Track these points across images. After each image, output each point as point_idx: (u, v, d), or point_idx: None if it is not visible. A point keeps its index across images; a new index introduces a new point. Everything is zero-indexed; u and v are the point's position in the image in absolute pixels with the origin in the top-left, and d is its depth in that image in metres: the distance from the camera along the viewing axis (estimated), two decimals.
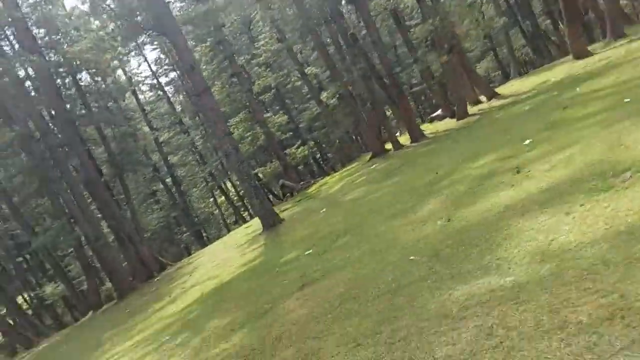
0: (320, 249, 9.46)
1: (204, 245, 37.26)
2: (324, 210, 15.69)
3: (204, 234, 41.22)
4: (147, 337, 10.41)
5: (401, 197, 10.26)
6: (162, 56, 50.28)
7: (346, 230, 9.72)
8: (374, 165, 21.47)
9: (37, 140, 20.45)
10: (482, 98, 24.37)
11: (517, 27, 35.03)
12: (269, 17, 31.77)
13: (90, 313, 24.42)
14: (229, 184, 53.36)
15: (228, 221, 52.19)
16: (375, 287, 5.63)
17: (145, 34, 17.89)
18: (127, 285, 21.53)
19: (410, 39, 25.71)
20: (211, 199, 51.27)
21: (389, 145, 25.18)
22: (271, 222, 17.24)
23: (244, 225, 26.76)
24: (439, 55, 21.08)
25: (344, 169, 29.25)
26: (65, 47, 21.34)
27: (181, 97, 54.10)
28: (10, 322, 23.72)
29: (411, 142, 22.58)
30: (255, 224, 23.86)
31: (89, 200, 22.96)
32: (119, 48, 18.50)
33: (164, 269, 24.12)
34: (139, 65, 55.44)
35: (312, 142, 38.39)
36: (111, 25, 17.04)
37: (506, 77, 35.69)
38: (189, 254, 35.75)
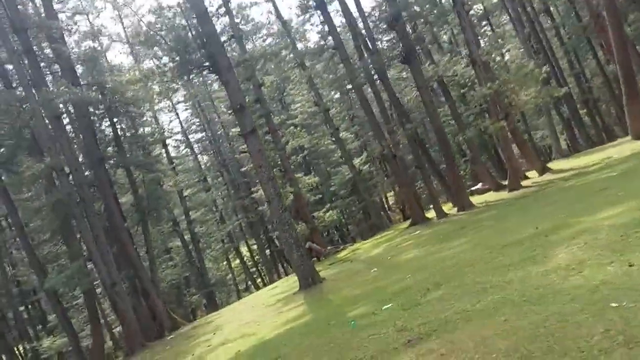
0: (404, 303, 7.64)
1: (215, 308, 34.70)
2: (375, 270, 13.86)
3: (217, 298, 38.67)
4: None
5: (494, 253, 8.54)
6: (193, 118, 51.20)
7: (437, 284, 7.92)
8: (417, 232, 19.73)
9: (67, 174, 19.26)
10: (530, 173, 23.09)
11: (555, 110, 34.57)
12: (307, 76, 31.77)
13: None
14: (243, 249, 51.61)
15: (239, 287, 49.64)
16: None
17: (198, 70, 17.21)
18: (138, 341, 19.18)
19: (454, 108, 24.96)
20: (224, 262, 49.17)
21: (429, 214, 23.63)
22: (310, 281, 15.32)
23: (268, 287, 24.56)
24: (493, 122, 20.06)
25: (376, 237, 27.46)
26: (108, 79, 20.85)
27: (205, 157, 54.22)
28: None
29: (458, 211, 20.98)
30: (282, 285, 21.84)
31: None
32: (169, 84, 17.73)
33: (177, 328, 21.74)
34: (170, 122, 55.69)
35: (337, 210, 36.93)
36: (164, 59, 16.42)
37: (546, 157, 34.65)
38: (195, 318, 33.23)
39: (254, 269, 50.81)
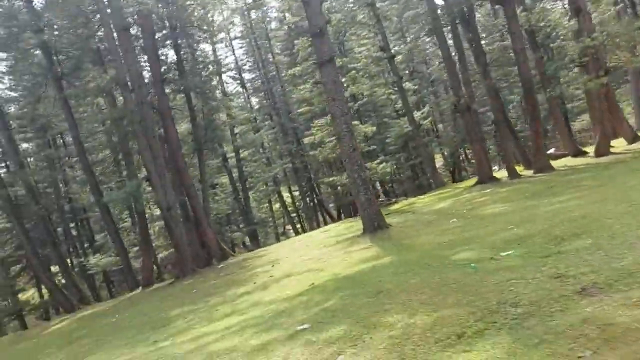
0: (533, 251, 6.45)
1: (257, 246, 34.67)
2: (455, 220, 12.67)
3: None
4: (246, 322, 7.65)
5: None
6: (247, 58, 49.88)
7: (575, 234, 6.66)
8: (488, 190, 18.25)
9: (130, 91, 18.61)
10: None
11: None
12: (376, 17, 29.71)
13: (139, 289, 22.04)
14: (285, 195, 51.28)
15: (278, 231, 49.74)
16: None
17: None
18: (189, 267, 18.98)
19: (541, 61, 22.59)
20: (266, 205, 49.11)
21: (496, 174, 22.02)
22: (376, 225, 14.32)
23: (319, 230, 23.81)
24: (591, 79, 17.91)
25: (432, 194, 26.09)
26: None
27: (256, 99, 53.24)
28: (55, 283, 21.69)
29: (535, 173, 19.29)
30: (335, 229, 21.01)
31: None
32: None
33: (226, 258, 21.46)
34: (226, 57, 54.35)
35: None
36: None
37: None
38: (234, 253, 33.27)
39: (294, 215, 50.62)
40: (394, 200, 27.71)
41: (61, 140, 41.19)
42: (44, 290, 39.44)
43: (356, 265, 10.25)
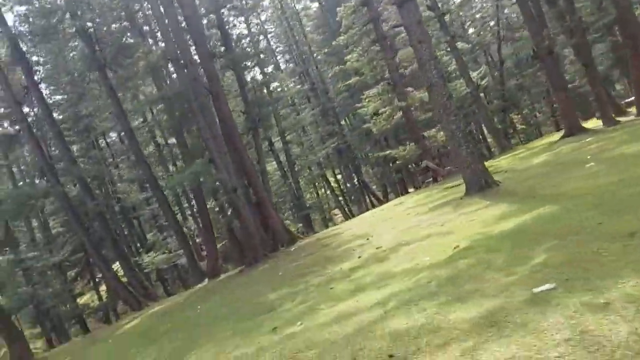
0: None
1: (312, 230, 33.16)
2: (592, 164, 10.55)
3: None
4: (400, 295, 5.86)
5: None
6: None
7: None
8: (590, 138, 15.90)
9: (183, 67, 17.06)
10: None
11: None
12: None
13: (206, 282, 20.72)
14: (331, 179, 49.56)
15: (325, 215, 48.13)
16: None
17: None
18: (261, 252, 17.45)
19: None
20: (311, 189, 47.57)
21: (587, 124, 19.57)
22: (483, 183, 12.29)
23: (392, 203, 21.83)
24: None
25: (513, 153, 23.69)
26: None
27: (291, 83, 51.47)
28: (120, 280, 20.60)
29: (639, 115, 16.81)
30: (411, 200, 19.04)
31: None
32: None
33: (294, 242, 19.83)
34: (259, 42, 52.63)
35: None
36: None
37: None
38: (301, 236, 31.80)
39: (341, 199, 48.85)
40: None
41: (104, 142, 40.63)
42: (102, 292, 39.28)
43: (495, 223, 8.32)
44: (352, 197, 49.70)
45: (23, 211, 19.26)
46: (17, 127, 22.18)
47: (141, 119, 37.77)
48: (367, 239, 12.40)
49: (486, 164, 23.22)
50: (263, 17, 44.48)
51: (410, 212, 14.75)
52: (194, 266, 21.79)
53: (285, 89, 34.50)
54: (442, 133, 28.79)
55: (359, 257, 10.40)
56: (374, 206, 44.97)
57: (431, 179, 25.29)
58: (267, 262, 16.51)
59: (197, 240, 28.11)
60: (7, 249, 30.00)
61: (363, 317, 5.64)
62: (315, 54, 46.03)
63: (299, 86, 45.43)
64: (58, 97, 32.61)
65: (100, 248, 20.93)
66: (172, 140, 20.85)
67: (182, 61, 16.93)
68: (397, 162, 29.53)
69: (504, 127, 41.61)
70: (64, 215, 36.09)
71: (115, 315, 36.54)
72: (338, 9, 28.74)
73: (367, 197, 48.16)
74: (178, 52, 16.99)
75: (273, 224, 20.10)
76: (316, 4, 48.47)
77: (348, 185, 50.04)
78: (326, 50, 47.92)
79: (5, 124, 26.52)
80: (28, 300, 26.46)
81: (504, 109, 37.16)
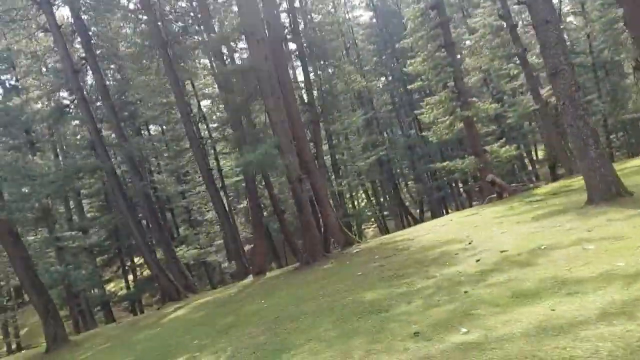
0: None
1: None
2: None
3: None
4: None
5: None
6: None
7: None
8: None
9: (256, 43, 15.59)
10: None
11: None
12: None
13: (249, 278, 19.02)
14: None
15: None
16: None
17: None
18: (320, 250, 15.69)
19: None
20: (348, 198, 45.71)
21: None
22: (612, 191, 10.28)
23: (462, 213, 19.78)
24: None
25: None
26: None
27: None
28: (162, 267, 18.99)
29: None
30: (485, 212, 17.02)
31: None
32: None
33: (350, 244, 17.99)
34: None
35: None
36: None
37: None
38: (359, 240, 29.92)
39: (377, 212, 46.81)
40: (532, 185, 23.33)
41: (146, 131, 39.77)
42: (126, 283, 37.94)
43: None
44: (386, 213, 47.58)
45: (69, 184, 17.98)
46: (66, 102, 21.15)
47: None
48: (469, 243, 10.47)
49: (553, 185, 21.13)
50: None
51: (505, 221, 12.77)
52: (238, 262, 20.10)
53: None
54: (505, 149, 26.84)
55: (478, 260, 8.50)
56: (409, 224, 42.89)
57: (495, 195, 23.16)
58: (327, 262, 14.71)
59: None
60: (44, 226, 29.03)
61: (605, 330, 3.77)
62: (363, 64, 44.68)
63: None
64: (107, 83, 31.90)
65: (144, 231, 19.43)
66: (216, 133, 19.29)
67: (257, 38, 15.47)
68: (454, 174, 27.55)
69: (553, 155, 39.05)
70: (101, 200, 35.27)
71: (139, 306, 35.15)
72: (406, 9, 27.19)
73: (403, 214, 46.12)
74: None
75: (330, 224, 18.33)
76: (369, 13, 47.34)
77: (385, 199, 48.09)
78: (375, 59, 46.62)
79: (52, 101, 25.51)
80: (60, 280, 25.22)
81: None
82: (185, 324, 11.66)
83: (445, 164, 26.74)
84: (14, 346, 36.23)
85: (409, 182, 55.94)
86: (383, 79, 48.97)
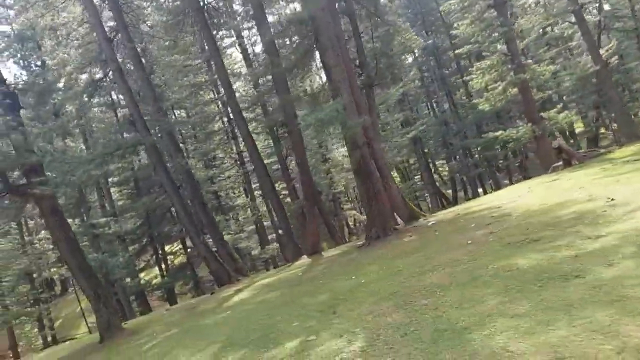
0: None
1: None
2: None
3: None
4: None
5: None
6: None
7: None
8: None
9: None
10: None
11: None
12: None
13: (303, 258, 17.45)
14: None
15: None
16: None
17: None
18: (389, 224, 13.97)
19: None
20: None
21: None
22: None
23: (538, 181, 17.79)
24: None
25: None
26: None
27: None
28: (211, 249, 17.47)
29: None
30: (568, 177, 15.10)
31: None
32: None
33: (416, 218, 16.26)
34: None
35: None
36: None
37: None
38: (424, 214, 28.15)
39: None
40: (602, 151, 21.27)
41: (172, 116, 38.30)
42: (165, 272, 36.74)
43: None
44: (417, 194, 45.71)
45: (108, 163, 16.52)
46: (99, 75, 19.60)
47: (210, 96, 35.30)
48: (610, 200, 8.62)
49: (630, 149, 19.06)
50: None
51: (621, 179, 10.90)
52: (290, 242, 18.51)
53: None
54: (564, 114, 24.66)
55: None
56: (443, 205, 40.95)
57: (561, 162, 21.15)
58: (402, 236, 13.02)
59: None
60: (78, 215, 27.90)
61: None
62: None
63: None
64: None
65: (190, 211, 17.90)
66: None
67: None
68: (510, 144, 25.53)
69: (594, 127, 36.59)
70: (130, 188, 33.94)
71: (171, 297, 33.91)
72: None
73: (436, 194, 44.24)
74: None
75: (393, 195, 16.57)
76: None
77: (418, 177, 46.19)
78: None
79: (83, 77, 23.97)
80: (97, 268, 24.07)
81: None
82: (262, 305, 10.09)
83: (498, 133, 24.71)
84: (49, 339, 35.50)
85: (437, 162, 53.88)
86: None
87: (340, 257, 13.85)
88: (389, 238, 13.48)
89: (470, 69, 26.11)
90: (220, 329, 9.15)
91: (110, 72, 17.77)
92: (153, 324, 13.26)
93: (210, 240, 18.75)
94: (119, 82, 17.22)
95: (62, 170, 11.93)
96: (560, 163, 21.49)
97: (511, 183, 35.44)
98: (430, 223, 14.07)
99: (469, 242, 9.13)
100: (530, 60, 24.73)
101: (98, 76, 19.97)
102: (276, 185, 36.25)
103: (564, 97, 29.38)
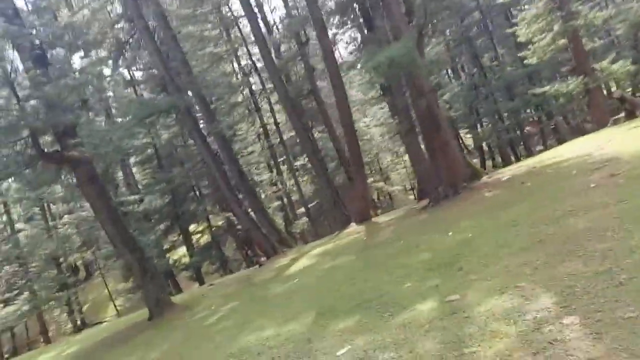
0: None
1: None
2: None
3: None
4: None
5: None
6: None
7: None
8: None
9: None
10: None
11: None
12: None
13: (351, 226, 16.09)
14: None
15: None
16: None
17: None
18: (459, 181, 12.49)
19: None
20: None
21: None
22: None
23: (628, 126, 15.97)
24: None
25: None
26: None
27: None
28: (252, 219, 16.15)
29: None
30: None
31: None
32: None
33: (478, 178, 14.72)
34: None
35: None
36: None
37: None
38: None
39: None
40: None
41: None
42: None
43: None
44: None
45: (143, 125, 15.17)
46: (125, 39, 18.09)
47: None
48: None
49: None
50: None
51: None
52: (336, 209, 17.13)
53: None
54: (619, 64, 22.74)
55: None
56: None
57: (623, 114, 19.35)
58: (478, 193, 11.55)
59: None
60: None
61: None
62: None
63: None
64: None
65: (228, 178, 16.51)
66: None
67: None
68: (559, 100, 23.69)
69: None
70: (153, 167, 32.71)
71: (199, 274, 32.96)
72: None
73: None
74: None
75: (456, 158, 15.03)
76: None
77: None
78: None
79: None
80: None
81: None
82: (337, 271, 8.75)
83: (547, 88, 22.86)
84: (78, 323, 35.06)
85: (461, 132, 51.87)
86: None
87: (402, 221, 12.45)
88: (460, 196, 12.03)
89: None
90: (298, 297, 7.84)
91: (136, 33, 16.27)
92: (203, 299, 12.06)
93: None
94: (147, 42, 15.76)
95: (99, 136, 10.56)
96: (622, 115, 19.70)
97: (545, 148, 33.59)
98: (504, 178, 12.55)
99: (592, 185, 7.63)
100: (580, 7, 22.61)
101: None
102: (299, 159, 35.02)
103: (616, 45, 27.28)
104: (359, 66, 10.97)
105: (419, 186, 17.88)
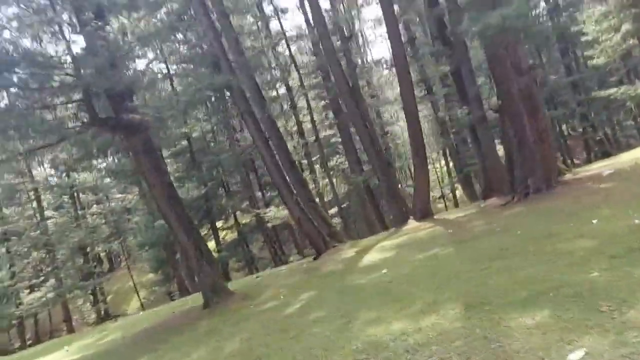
0: None
1: None
2: None
3: None
4: None
5: None
6: None
7: None
8: None
9: None
10: None
11: None
12: None
13: (412, 221, 14.57)
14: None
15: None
16: None
17: None
18: (553, 175, 10.94)
19: None
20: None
21: None
22: None
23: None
24: None
25: None
26: None
27: None
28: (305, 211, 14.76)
29: None
30: None
31: None
32: None
33: (562, 173, 13.08)
34: None
35: None
36: None
37: None
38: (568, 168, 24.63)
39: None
40: None
41: None
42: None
43: None
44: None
45: (199, 101, 13.98)
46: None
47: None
48: None
49: None
50: None
51: None
52: (394, 206, 15.65)
53: None
54: None
55: None
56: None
57: None
58: (580, 188, 9.98)
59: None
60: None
61: None
62: None
63: None
64: None
65: (279, 165, 15.13)
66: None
67: None
68: (628, 103, 21.93)
69: None
70: (186, 160, 31.67)
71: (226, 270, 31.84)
72: None
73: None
74: None
75: (546, 154, 13.41)
76: None
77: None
78: None
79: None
80: (164, 236, 21.98)
81: None
82: (443, 261, 7.25)
83: (613, 90, 21.09)
84: (102, 313, 34.20)
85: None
86: None
87: (487, 216, 10.87)
88: (555, 191, 10.45)
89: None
90: (405, 287, 6.37)
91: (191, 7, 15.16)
92: (261, 288, 10.65)
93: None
94: (201, 17, 14.60)
95: (162, 98, 9.35)
96: None
97: (590, 160, 31.64)
98: (606, 173, 10.94)
99: None
100: None
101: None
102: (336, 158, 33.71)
103: None
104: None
105: (485, 184, 16.31)
